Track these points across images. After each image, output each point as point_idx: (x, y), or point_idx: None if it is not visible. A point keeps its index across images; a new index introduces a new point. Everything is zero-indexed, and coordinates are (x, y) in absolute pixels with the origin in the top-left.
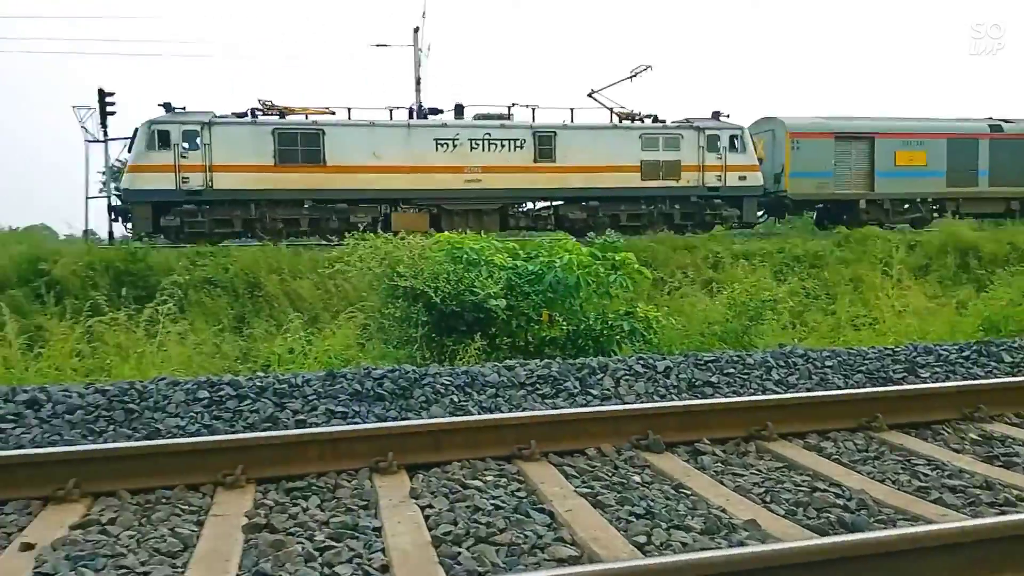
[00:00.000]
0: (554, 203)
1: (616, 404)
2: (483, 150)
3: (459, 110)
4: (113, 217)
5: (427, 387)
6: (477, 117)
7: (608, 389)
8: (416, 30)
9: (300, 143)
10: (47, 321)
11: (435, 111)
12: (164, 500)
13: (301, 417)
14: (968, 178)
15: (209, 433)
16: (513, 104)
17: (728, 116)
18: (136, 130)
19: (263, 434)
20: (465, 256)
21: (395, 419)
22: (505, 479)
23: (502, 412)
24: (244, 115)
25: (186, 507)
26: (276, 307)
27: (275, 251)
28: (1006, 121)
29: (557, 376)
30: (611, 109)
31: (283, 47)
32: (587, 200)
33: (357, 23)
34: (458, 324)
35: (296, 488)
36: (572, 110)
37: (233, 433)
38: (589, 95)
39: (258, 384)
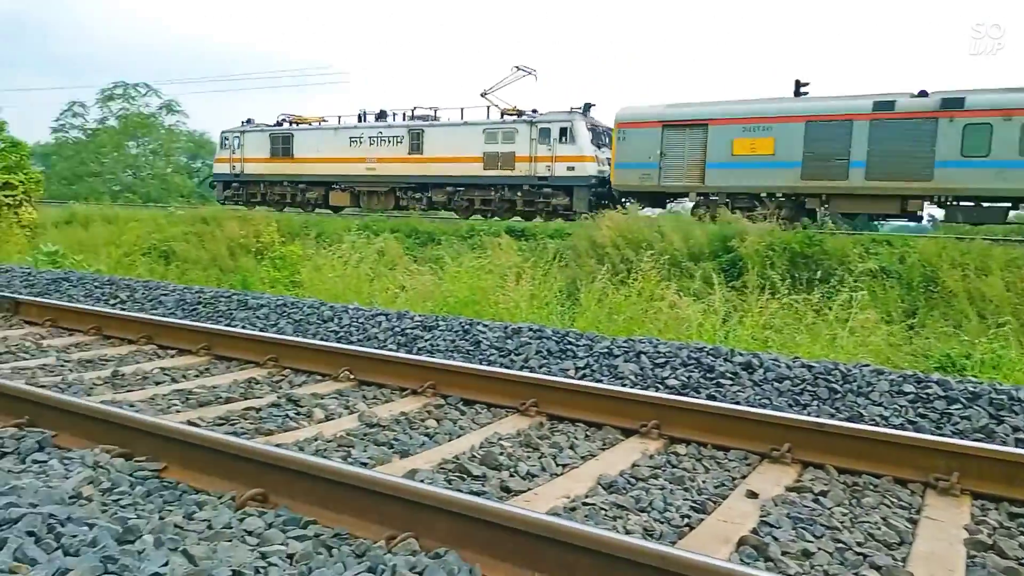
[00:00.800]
0: (429, 187)
1: None
2: (377, 145)
3: (382, 115)
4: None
5: None
6: (410, 119)
7: None
8: None
9: (281, 143)
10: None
11: (383, 114)
12: (871, 487)
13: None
14: (835, 170)
15: (914, 430)
16: (415, 107)
17: (576, 108)
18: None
19: (985, 445)
20: None
21: None
22: None
23: None
24: (278, 124)
25: (895, 500)
26: (953, 306)
27: (956, 244)
28: (911, 95)
29: None
30: (489, 107)
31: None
32: (447, 186)
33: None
34: None
35: (1022, 515)
36: (463, 109)
37: (942, 436)
38: (482, 95)
39: (970, 389)
